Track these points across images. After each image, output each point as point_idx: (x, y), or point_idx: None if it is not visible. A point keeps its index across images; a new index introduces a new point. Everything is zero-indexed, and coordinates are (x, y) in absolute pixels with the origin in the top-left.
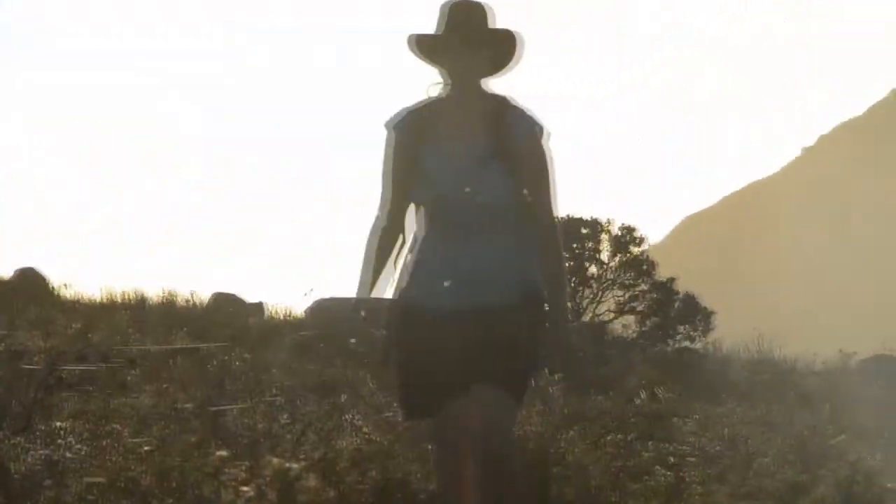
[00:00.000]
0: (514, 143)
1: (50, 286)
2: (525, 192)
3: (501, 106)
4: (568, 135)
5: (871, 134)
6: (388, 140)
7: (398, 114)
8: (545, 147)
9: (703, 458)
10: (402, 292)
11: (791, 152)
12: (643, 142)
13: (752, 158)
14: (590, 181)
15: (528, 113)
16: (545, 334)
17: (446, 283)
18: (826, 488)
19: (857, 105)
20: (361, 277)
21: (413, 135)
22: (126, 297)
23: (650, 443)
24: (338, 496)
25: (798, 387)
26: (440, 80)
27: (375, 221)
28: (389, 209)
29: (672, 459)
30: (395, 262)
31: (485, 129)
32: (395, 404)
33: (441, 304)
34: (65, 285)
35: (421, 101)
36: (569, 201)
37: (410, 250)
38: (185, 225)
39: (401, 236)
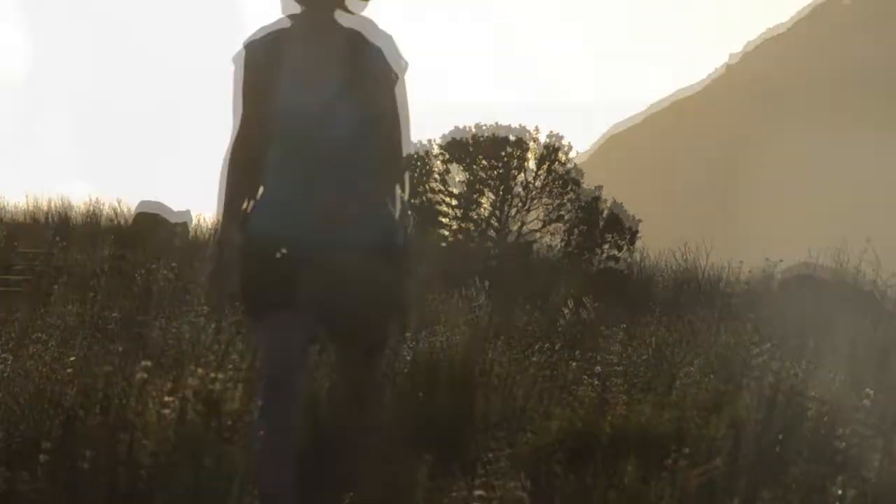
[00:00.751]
0: (371, 78)
1: None
2: (378, 129)
3: (358, 39)
4: (492, 45)
5: (796, 43)
6: (241, 61)
7: (253, 34)
8: (402, 84)
9: (629, 369)
10: (248, 229)
11: (716, 62)
12: (567, 56)
13: (678, 71)
14: (515, 93)
15: (389, 47)
16: (404, 275)
17: (296, 222)
18: (750, 397)
19: (780, 14)
20: (222, 221)
21: (266, 60)
22: (52, 205)
23: (577, 352)
24: None
25: (724, 297)
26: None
27: (229, 155)
28: (243, 139)
29: (598, 369)
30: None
31: (340, 62)
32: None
33: (289, 244)
34: None
35: (277, 23)
36: (496, 113)
37: (261, 185)
38: (114, 128)
39: (256, 165)
